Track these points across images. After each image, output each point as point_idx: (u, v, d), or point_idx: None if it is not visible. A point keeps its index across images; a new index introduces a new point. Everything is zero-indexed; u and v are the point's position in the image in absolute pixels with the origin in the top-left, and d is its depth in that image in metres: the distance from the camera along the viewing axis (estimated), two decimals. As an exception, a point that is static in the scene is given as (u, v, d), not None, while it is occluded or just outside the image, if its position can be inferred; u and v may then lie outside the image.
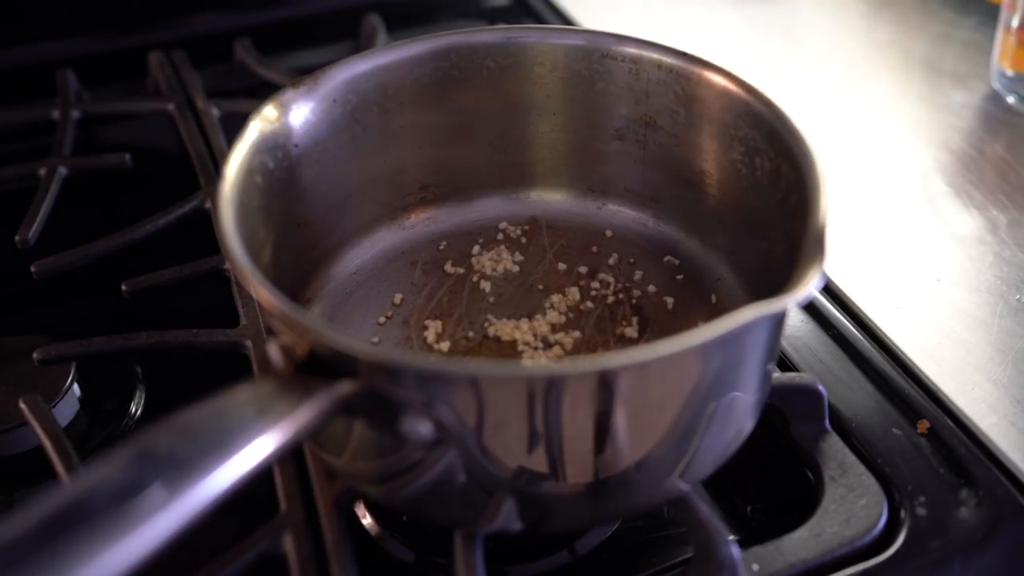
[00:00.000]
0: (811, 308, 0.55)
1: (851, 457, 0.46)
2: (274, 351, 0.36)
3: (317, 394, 0.35)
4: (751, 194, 0.48)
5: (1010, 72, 0.74)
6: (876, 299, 0.56)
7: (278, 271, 0.45)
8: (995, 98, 0.75)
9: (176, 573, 0.37)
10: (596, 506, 0.41)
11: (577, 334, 0.50)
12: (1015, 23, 0.72)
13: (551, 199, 0.57)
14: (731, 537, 0.45)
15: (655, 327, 0.51)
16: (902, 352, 0.53)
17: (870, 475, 0.46)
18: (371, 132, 0.52)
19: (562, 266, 0.54)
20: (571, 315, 0.51)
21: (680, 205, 0.54)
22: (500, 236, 0.56)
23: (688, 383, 0.37)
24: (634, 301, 0.52)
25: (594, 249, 0.55)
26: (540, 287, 0.53)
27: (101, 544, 0.28)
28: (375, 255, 0.54)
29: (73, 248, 0.59)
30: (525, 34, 0.53)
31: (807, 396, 0.48)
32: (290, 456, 0.46)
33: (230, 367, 0.53)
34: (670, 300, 0.52)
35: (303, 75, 0.50)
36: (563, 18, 0.84)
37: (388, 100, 0.52)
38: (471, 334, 0.51)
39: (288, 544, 0.42)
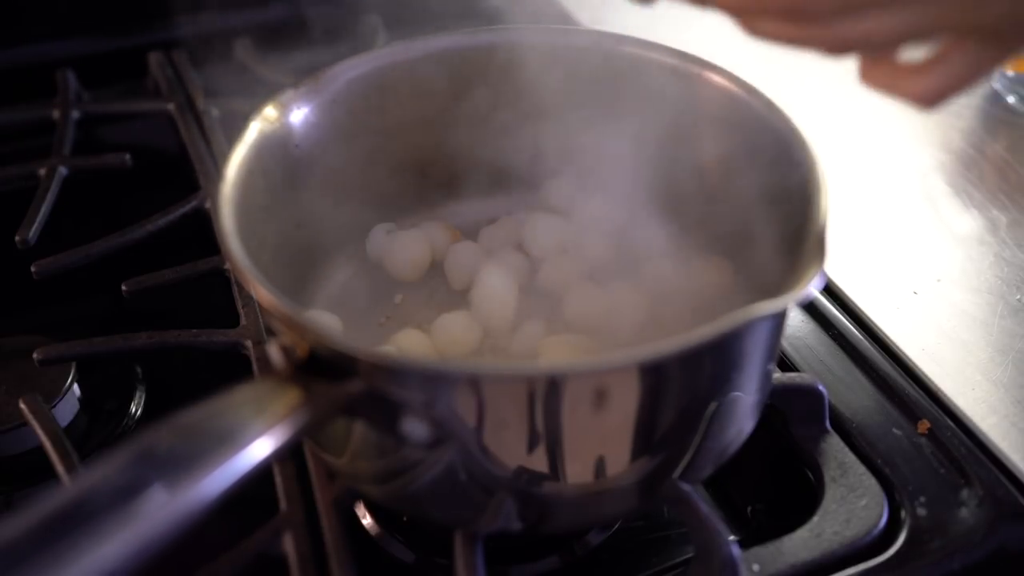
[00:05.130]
0: (811, 308, 0.55)
1: (851, 457, 0.46)
2: (274, 351, 0.36)
3: (317, 394, 0.35)
4: (751, 194, 0.48)
5: (1010, 72, 0.74)
6: (876, 299, 0.56)
7: (278, 271, 0.45)
8: (995, 98, 0.75)
9: (176, 573, 0.37)
10: (596, 506, 0.41)
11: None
12: (1015, 23, 0.71)
13: (552, 199, 0.57)
14: (731, 537, 0.45)
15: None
16: (902, 352, 0.53)
17: (870, 475, 0.46)
18: (371, 133, 0.52)
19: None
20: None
21: (680, 205, 0.54)
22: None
23: (688, 383, 0.37)
24: (634, 301, 0.52)
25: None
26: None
27: (101, 544, 0.28)
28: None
29: (73, 248, 0.59)
30: (525, 35, 0.53)
31: (807, 396, 0.48)
32: (290, 456, 0.46)
33: (230, 367, 0.53)
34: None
35: (303, 75, 0.50)
36: (564, 18, 0.84)
37: (388, 100, 0.52)
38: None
39: (288, 544, 0.42)
